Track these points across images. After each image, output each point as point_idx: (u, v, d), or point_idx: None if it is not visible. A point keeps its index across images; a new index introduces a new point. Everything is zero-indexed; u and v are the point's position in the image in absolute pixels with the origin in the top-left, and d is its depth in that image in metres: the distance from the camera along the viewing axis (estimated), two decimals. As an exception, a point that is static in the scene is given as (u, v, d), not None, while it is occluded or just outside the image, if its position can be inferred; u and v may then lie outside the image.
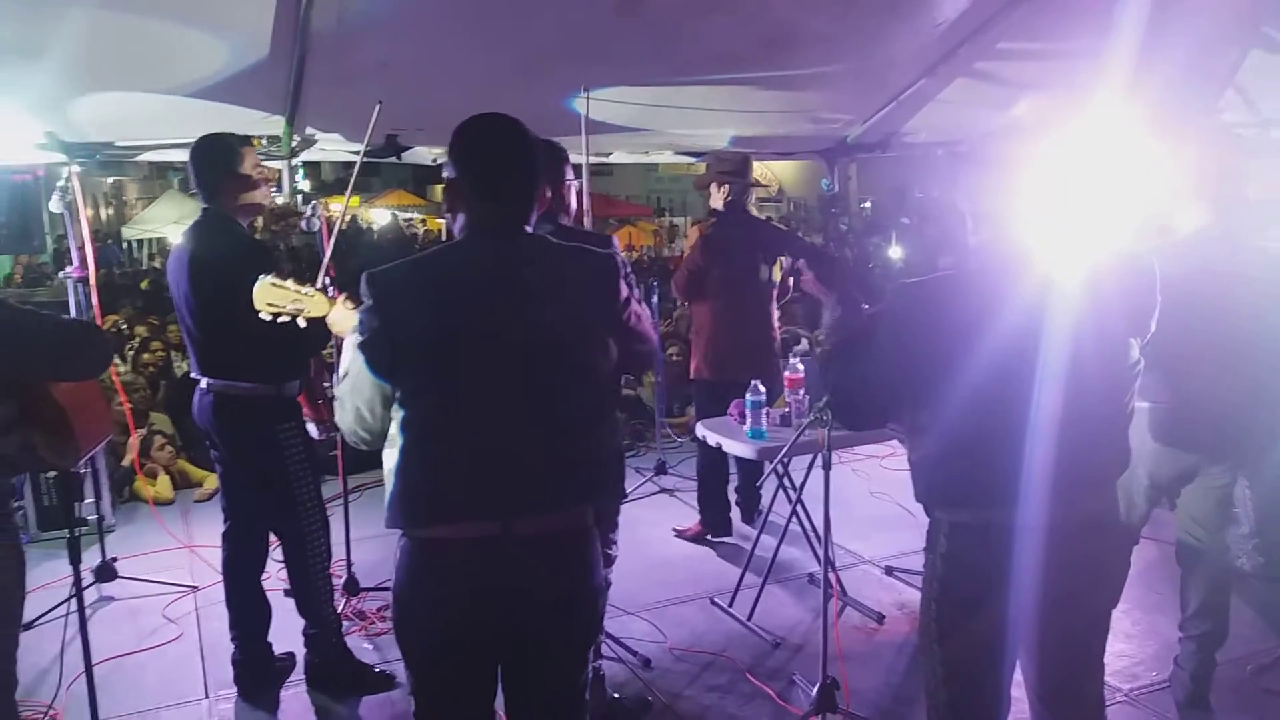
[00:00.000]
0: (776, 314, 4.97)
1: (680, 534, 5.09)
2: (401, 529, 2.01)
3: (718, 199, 4.83)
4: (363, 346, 1.96)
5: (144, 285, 13.61)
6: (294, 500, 3.33)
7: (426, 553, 1.99)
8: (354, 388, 2.01)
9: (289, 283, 2.49)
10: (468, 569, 1.97)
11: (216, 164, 3.19)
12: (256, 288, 2.48)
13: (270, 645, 3.57)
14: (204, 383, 3.29)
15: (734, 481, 5.14)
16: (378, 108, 3.43)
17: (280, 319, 2.49)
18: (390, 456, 2.00)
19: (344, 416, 2.06)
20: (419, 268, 2.03)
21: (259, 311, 2.49)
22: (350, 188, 3.79)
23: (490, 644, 2.06)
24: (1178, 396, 3.01)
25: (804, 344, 4.48)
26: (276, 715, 3.44)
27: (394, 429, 1.99)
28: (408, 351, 1.94)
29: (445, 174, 2.07)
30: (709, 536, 5.02)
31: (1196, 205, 3.07)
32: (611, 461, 2.14)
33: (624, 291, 2.12)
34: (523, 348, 1.96)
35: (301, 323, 2.49)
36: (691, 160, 5.86)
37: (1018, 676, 2.22)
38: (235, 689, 3.51)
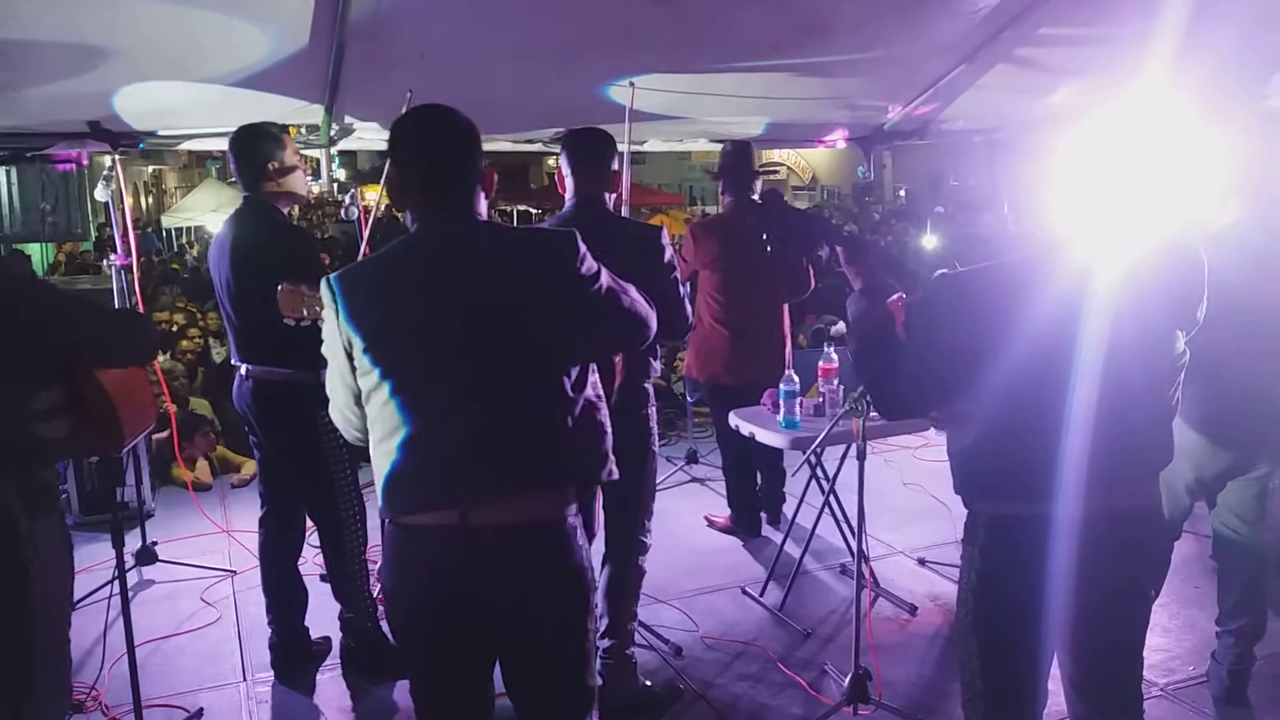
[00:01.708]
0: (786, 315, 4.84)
1: (712, 524, 5.08)
2: (383, 517, 2.05)
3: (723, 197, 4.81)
4: (326, 348, 2.02)
5: (175, 266, 13.83)
6: (331, 486, 3.37)
7: (401, 541, 2.03)
8: (332, 390, 2.09)
9: (303, 287, 2.52)
10: (428, 557, 1.99)
11: (256, 153, 3.23)
12: (278, 295, 2.50)
13: (307, 629, 3.62)
14: (244, 369, 3.33)
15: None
16: (409, 95, 3.44)
17: (302, 324, 2.52)
18: (372, 451, 2.05)
19: (336, 418, 2.15)
20: (372, 265, 2.06)
21: (284, 318, 2.52)
22: (385, 177, 3.82)
23: (468, 631, 2.05)
24: (1221, 390, 2.97)
25: (840, 327, 4.40)
26: (312, 698, 3.49)
27: (369, 423, 2.04)
28: (364, 347, 1.96)
29: (387, 174, 2.11)
30: (739, 537, 4.97)
31: (1233, 197, 3.02)
32: (588, 446, 2.06)
33: (587, 269, 2.04)
34: (474, 335, 1.94)
35: (321, 325, 2.51)
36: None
37: (1054, 669, 2.20)
38: (272, 672, 3.57)
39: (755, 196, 4.67)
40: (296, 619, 3.58)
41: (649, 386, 3.27)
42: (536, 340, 1.99)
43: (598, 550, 2.73)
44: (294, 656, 3.58)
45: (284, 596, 3.55)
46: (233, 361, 3.40)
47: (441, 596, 2.00)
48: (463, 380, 1.95)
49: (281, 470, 3.47)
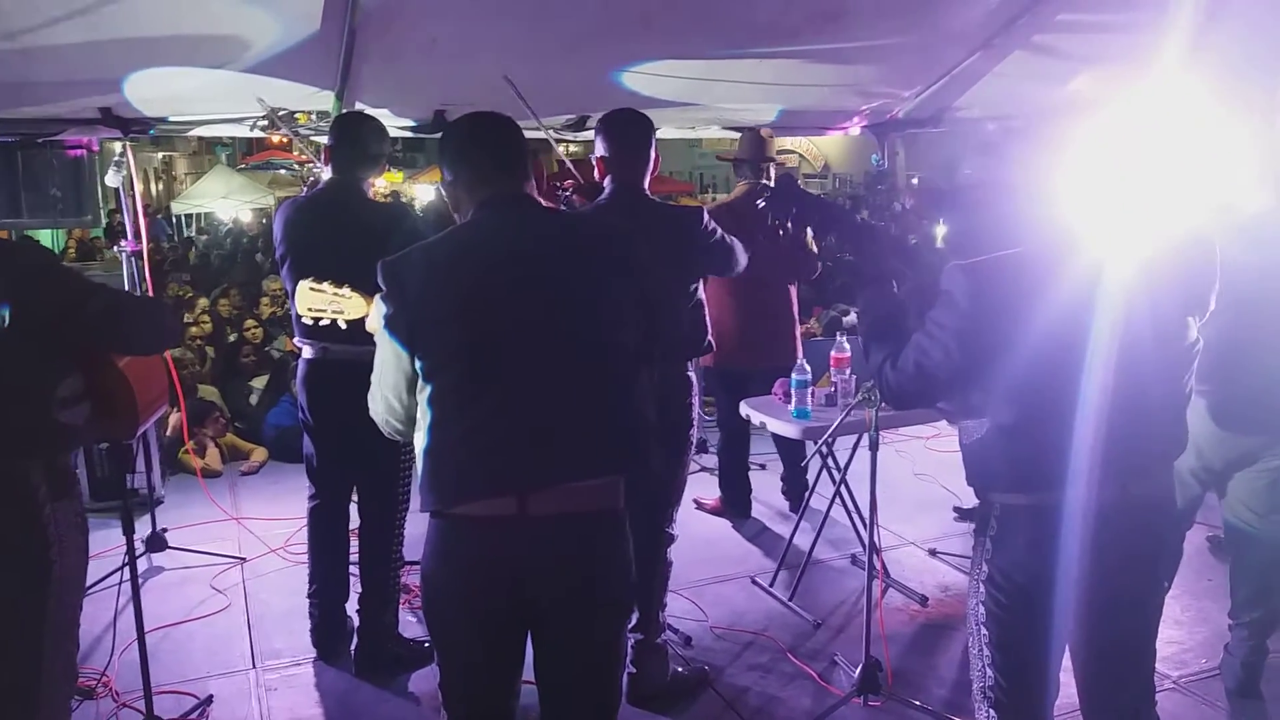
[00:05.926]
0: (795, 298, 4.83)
1: (700, 506, 5.08)
2: (431, 510, 2.02)
3: (737, 184, 4.78)
4: (383, 333, 2.00)
5: (190, 256, 13.85)
6: (397, 477, 3.41)
7: (449, 531, 2.01)
8: (380, 376, 2.06)
9: (326, 285, 2.49)
10: (485, 547, 1.98)
11: (369, 148, 3.35)
12: (297, 292, 2.48)
13: (346, 611, 3.63)
14: (319, 349, 3.30)
15: (779, 469, 5.12)
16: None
17: (321, 322, 2.50)
18: (419, 440, 2.02)
19: (376, 407, 2.11)
20: (431, 249, 2.06)
21: (301, 317, 2.51)
22: (440, 184, 3.85)
23: (511, 621, 2.06)
24: (1237, 379, 2.94)
25: (853, 316, 4.39)
26: (324, 685, 3.48)
27: (419, 412, 2.02)
28: (424, 332, 1.96)
29: (443, 180, 2.15)
30: (729, 519, 4.99)
31: (1262, 186, 2.99)
32: (641, 431, 2.08)
33: (638, 259, 2.11)
34: (537, 320, 1.96)
35: (342, 324, 2.50)
36: (736, 136, 5.78)
37: (1066, 661, 2.18)
38: (280, 659, 3.59)
39: (768, 181, 4.63)
40: (340, 602, 3.60)
41: (692, 375, 3.22)
42: (589, 328, 2.01)
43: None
44: (335, 636, 3.58)
45: (331, 581, 3.56)
46: (299, 343, 3.40)
47: (490, 585, 1.99)
48: (520, 367, 1.96)
49: (342, 459, 3.45)
